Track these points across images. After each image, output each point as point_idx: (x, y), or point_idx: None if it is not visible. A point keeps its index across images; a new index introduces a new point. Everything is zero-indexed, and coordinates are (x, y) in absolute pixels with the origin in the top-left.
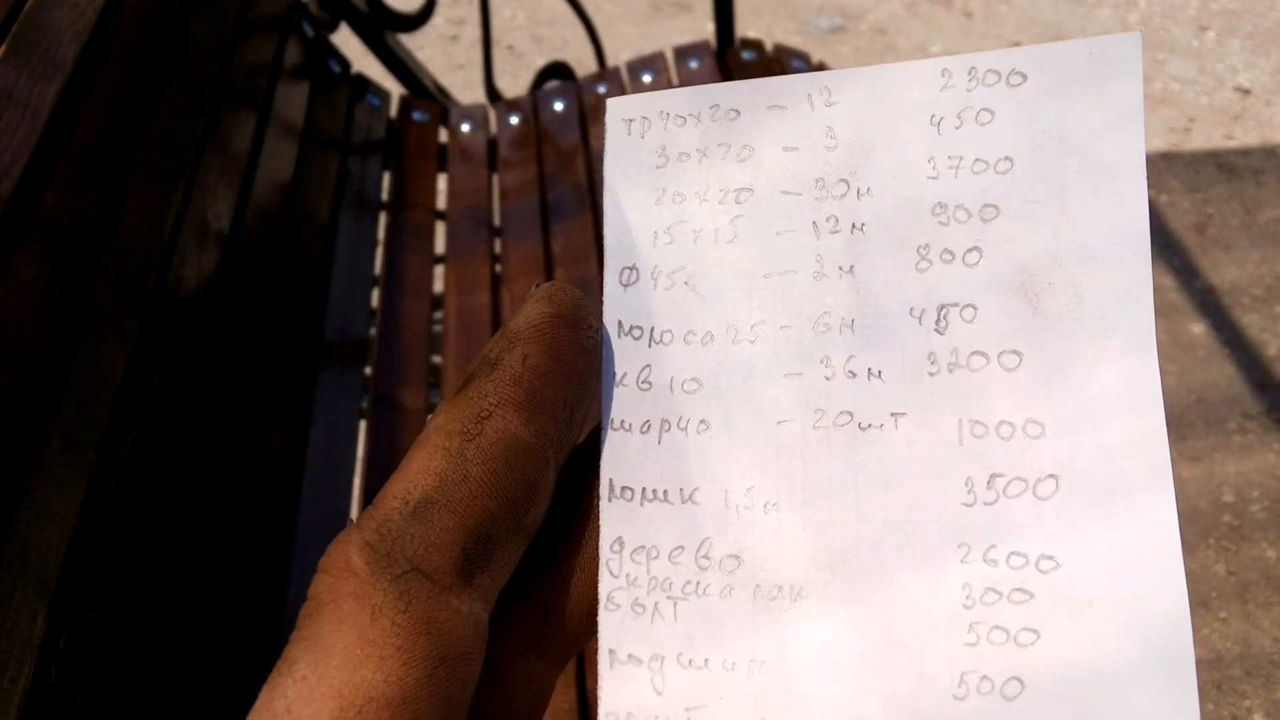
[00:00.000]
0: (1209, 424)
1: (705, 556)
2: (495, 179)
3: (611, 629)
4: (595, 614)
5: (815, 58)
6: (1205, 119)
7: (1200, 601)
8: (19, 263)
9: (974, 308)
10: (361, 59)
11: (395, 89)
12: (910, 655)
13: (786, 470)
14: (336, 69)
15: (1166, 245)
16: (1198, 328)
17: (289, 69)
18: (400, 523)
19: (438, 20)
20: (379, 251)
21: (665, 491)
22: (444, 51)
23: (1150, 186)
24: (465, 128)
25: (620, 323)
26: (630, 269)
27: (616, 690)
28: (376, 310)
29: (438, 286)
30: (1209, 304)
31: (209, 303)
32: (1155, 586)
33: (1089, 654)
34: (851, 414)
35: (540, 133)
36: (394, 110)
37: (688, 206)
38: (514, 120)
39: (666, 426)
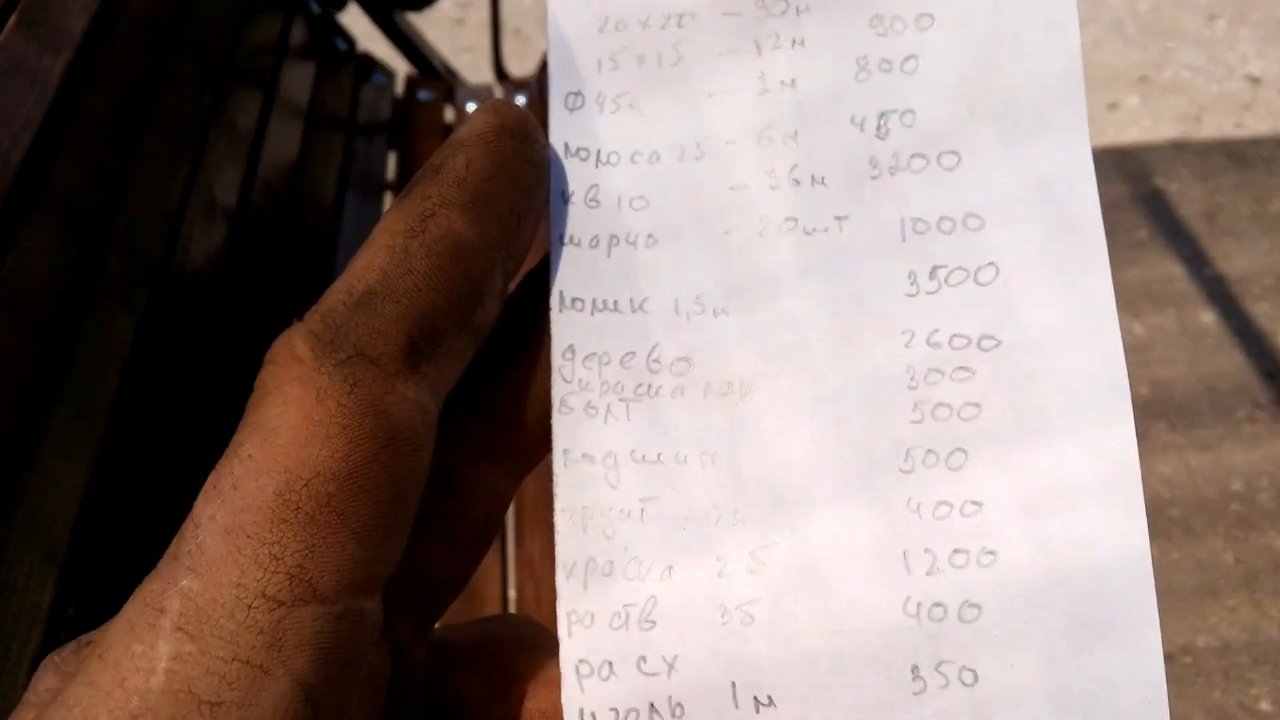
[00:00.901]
0: (1218, 413)
1: (656, 360)
2: None
3: (565, 430)
4: (549, 424)
5: None
6: (1215, 108)
7: (1208, 590)
8: (30, 231)
9: (913, 113)
10: (368, 40)
11: (401, 70)
12: (857, 436)
13: (734, 276)
14: (343, 47)
15: (1176, 234)
16: (1207, 317)
17: (295, 47)
18: (344, 312)
19: (444, 3)
20: None
21: (615, 302)
22: (450, 35)
23: (1160, 175)
24: (471, 107)
25: (567, 145)
26: (575, 94)
27: (572, 486)
28: None
29: None
30: (1219, 293)
31: (216, 278)
32: (1094, 353)
33: (1030, 422)
34: (796, 220)
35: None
36: (400, 90)
37: (631, 33)
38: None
39: (615, 241)
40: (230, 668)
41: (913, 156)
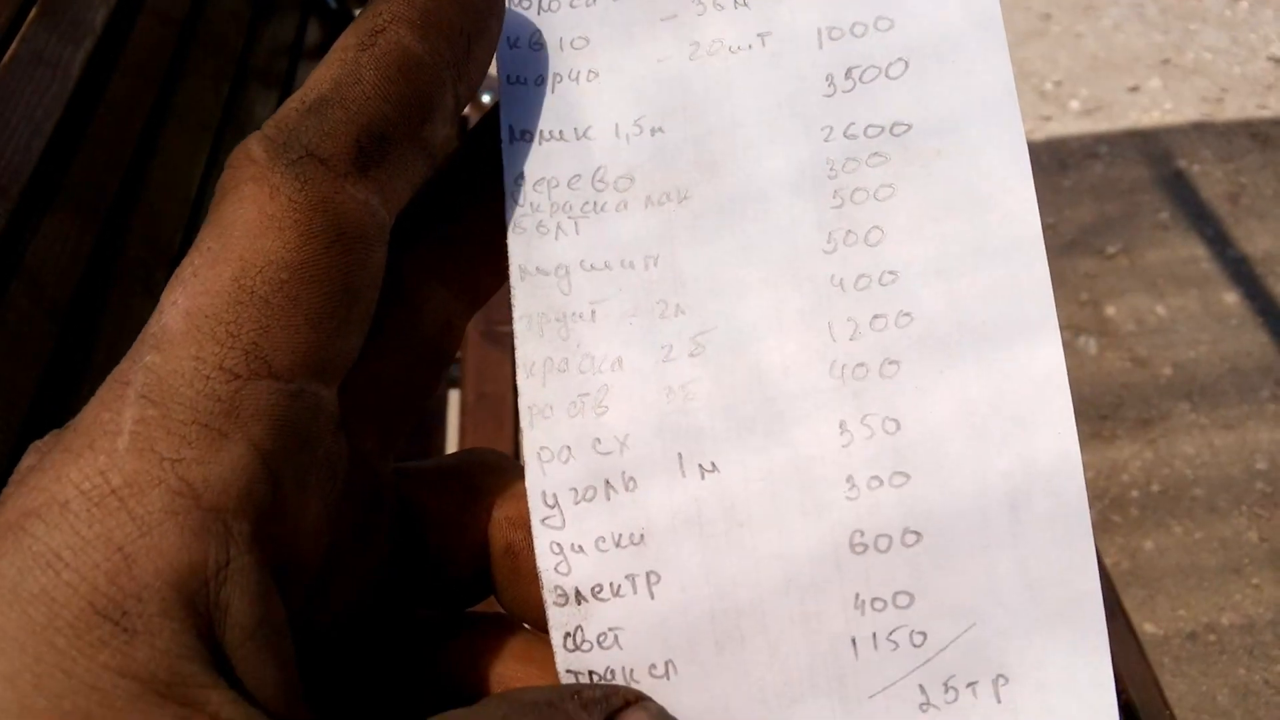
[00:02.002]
0: (1242, 392)
1: (600, 180)
2: None
3: (519, 248)
4: (499, 250)
5: None
6: (1238, 89)
7: (1233, 568)
8: (52, 217)
9: None
10: None
11: None
12: (782, 225)
13: (668, 97)
14: None
15: (1200, 215)
16: (1231, 297)
17: (312, 40)
18: (296, 118)
19: None
20: None
21: (561, 131)
22: None
23: (1182, 157)
24: (484, 99)
25: None
26: None
27: (528, 297)
28: None
29: None
30: (1242, 273)
31: None
32: (996, 128)
33: (939, 194)
34: (722, 40)
35: None
36: None
37: None
38: None
39: (559, 78)
40: (190, 429)
41: None
